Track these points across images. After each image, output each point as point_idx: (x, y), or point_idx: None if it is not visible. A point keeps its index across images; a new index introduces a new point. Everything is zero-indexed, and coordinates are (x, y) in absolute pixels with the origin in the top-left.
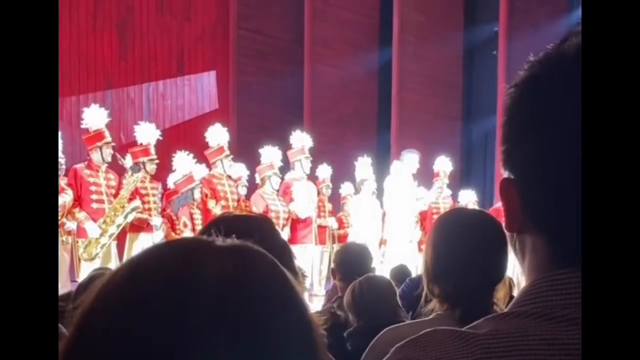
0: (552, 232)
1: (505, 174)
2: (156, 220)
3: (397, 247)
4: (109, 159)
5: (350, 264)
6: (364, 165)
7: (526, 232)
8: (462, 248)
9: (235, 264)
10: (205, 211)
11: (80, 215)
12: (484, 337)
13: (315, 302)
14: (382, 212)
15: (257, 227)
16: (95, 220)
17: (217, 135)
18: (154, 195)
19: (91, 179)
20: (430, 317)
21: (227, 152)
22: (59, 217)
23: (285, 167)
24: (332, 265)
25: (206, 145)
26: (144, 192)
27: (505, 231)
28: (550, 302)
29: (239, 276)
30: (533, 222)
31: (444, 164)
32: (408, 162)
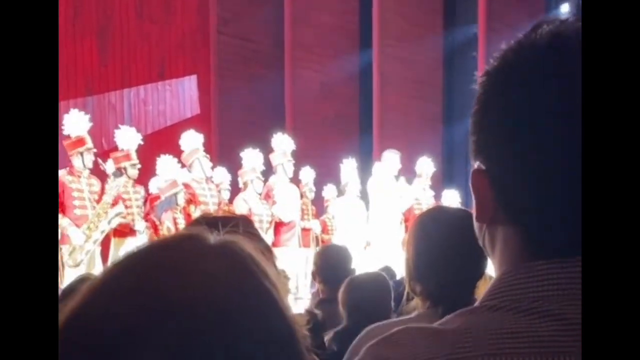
0: (525, 223)
1: (476, 165)
2: (139, 224)
3: (382, 248)
4: (90, 165)
5: (330, 265)
6: (349, 168)
7: (498, 223)
8: (443, 245)
9: (228, 282)
10: (187, 216)
11: (64, 222)
12: (454, 332)
13: (300, 304)
14: (366, 213)
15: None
16: (78, 227)
17: (191, 140)
18: (137, 200)
19: (73, 185)
20: (413, 314)
21: (203, 153)
22: None
23: (268, 170)
24: (313, 267)
25: None
26: (126, 196)
27: (475, 222)
28: (519, 295)
29: (232, 296)
30: (506, 212)
31: (425, 165)
32: (389, 162)
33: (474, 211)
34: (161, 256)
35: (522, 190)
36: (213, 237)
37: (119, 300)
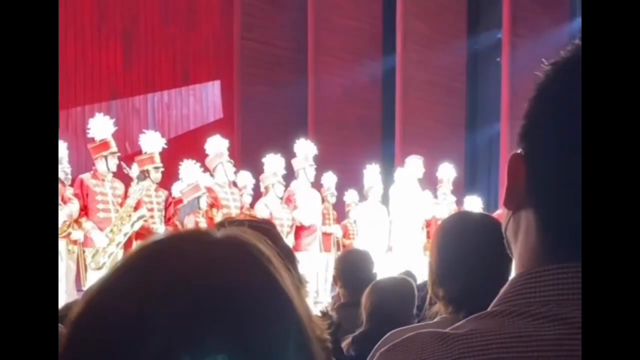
0: (548, 218)
1: (518, 150)
2: (160, 228)
3: (404, 253)
4: (114, 168)
5: (351, 270)
6: (372, 173)
7: (523, 209)
8: (466, 250)
9: (233, 268)
10: (210, 220)
11: (87, 224)
12: (463, 337)
13: (320, 308)
14: (388, 218)
15: (259, 231)
16: (102, 230)
17: (216, 145)
18: (158, 203)
19: (97, 189)
20: (435, 320)
21: (227, 158)
22: (66, 228)
23: (290, 175)
24: (334, 272)
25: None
26: (147, 199)
27: (502, 208)
28: (529, 300)
29: (239, 283)
30: (533, 202)
31: (447, 171)
32: (412, 167)
33: (502, 196)
34: (170, 245)
35: (553, 185)
36: (219, 232)
37: (131, 284)
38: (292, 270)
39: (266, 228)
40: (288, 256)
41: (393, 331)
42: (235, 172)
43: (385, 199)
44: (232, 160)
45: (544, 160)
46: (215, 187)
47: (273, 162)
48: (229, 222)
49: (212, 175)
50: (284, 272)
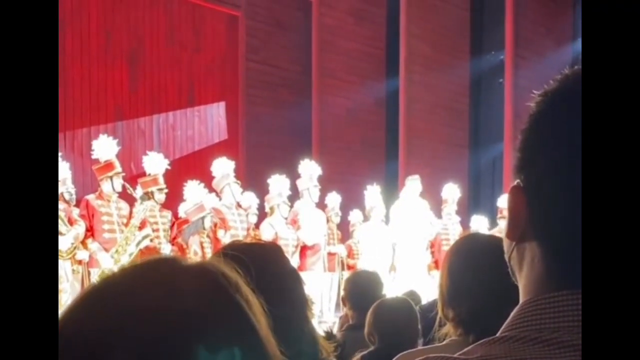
0: (554, 248)
1: (516, 182)
2: (165, 248)
3: (407, 272)
4: (119, 189)
5: (360, 291)
6: (373, 194)
7: (527, 241)
8: (477, 272)
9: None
10: (215, 240)
11: (93, 245)
12: None
13: (324, 328)
14: (391, 238)
15: (266, 254)
16: (107, 250)
17: (222, 167)
18: (163, 223)
19: (103, 209)
20: (444, 342)
21: (234, 179)
22: (73, 249)
23: (295, 196)
24: (342, 293)
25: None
26: (152, 220)
27: (505, 239)
28: (539, 326)
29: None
30: (536, 234)
31: (452, 191)
32: (411, 188)
33: (504, 228)
34: (138, 272)
35: (556, 215)
36: (189, 261)
37: (97, 312)
38: (294, 292)
39: (241, 260)
40: (294, 278)
41: (401, 354)
42: (241, 193)
43: (388, 219)
44: (238, 182)
45: (543, 192)
46: (222, 208)
47: (278, 183)
48: (236, 244)
49: (218, 196)
50: (252, 300)
